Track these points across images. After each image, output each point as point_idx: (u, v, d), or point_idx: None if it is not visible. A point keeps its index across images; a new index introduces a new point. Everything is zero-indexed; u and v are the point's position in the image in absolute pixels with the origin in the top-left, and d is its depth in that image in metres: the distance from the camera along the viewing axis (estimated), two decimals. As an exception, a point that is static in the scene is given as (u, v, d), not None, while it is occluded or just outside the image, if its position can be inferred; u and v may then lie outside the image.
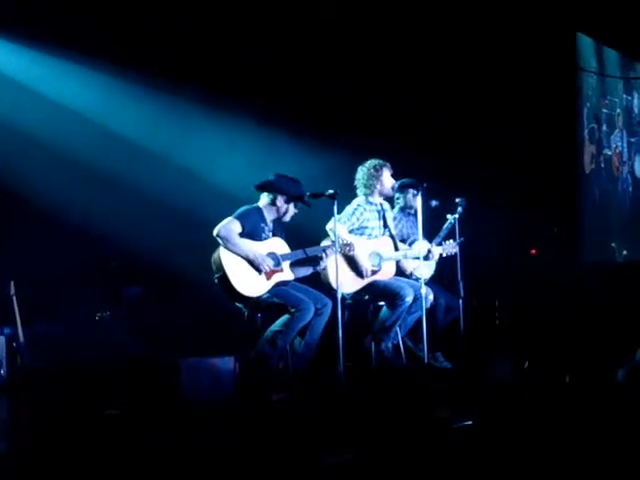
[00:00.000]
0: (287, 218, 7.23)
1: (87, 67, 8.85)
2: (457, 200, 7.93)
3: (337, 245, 6.94)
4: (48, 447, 5.08)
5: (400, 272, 7.79)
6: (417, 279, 7.54)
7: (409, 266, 7.83)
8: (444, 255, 7.84)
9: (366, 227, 7.65)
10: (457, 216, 7.90)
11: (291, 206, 7.20)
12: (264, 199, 7.21)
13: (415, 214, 7.73)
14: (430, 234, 7.95)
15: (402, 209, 8.21)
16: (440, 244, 7.89)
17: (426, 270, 7.83)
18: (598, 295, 9.49)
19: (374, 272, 7.52)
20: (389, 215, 7.84)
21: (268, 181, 7.20)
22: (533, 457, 4.53)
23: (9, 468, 4.88)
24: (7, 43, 8.74)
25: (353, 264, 7.44)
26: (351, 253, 7.26)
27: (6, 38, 8.68)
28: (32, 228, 8.76)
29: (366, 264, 7.46)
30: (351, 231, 7.56)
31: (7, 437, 5.99)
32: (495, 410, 5.33)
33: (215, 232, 6.89)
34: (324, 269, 7.32)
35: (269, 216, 7.21)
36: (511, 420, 5.07)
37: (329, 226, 7.37)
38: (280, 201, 7.17)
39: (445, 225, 8.00)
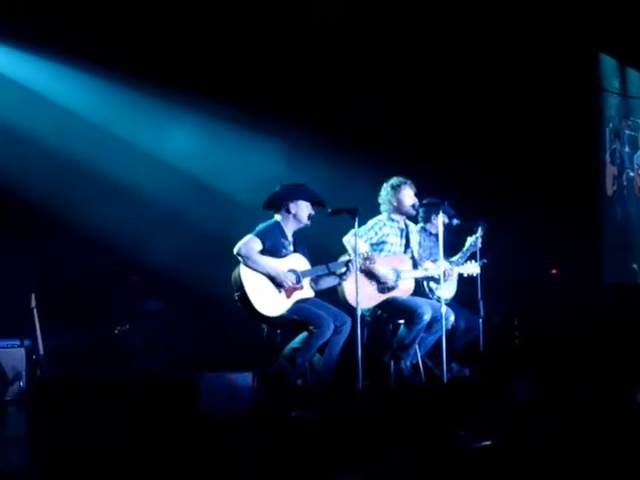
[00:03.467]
0: (309, 222, 7.21)
1: (105, 78, 8.91)
2: (478, 223, 7.92)
3: (356, 260, 6.91)
4: (66, 460, 5.08)
5: (419, 292, 7.77)
6: (438, 299, 7.52)
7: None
8: (465, 275, 7.81)
9: (385, 242, 7.64)
10: (477, 239, 7.89)
11: (308, 209, 7.19)
12: (279, 215, 7.21)
13: (436, 233, 7.72)
14: (452, 253, 7.94)
15: (424, 228, 8.20)
16: (459, 264, 7.86)
17: (447, 291, 7.80)
18: (618, 316, 9.44)
19: (392, 288, 7.51)
20: (414, 237, 7.83)
21: (274, 194, 7.19)
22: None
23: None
24: (22, 52, 8.81)
25: (372, 278, 7.43)
26: (372, 266, 7.24)
27: (21, 47, 8.74)
28: (53, 241, 8.79)
29: (387, 275, 7.44)
30: (370, 245, 7.56)
31: (26, 449, 6.00)
32: (515, 430, 5.31)
33: (235, 250, 6.88)
34: (340, 284, 7.31)
35: (288, 229, 7.19)
36: (531, 441, 5.05)
37: (346, 239, 7.37)
38: (294, 208, 7.16)
39: (465, 247, 7.99)
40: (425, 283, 7.82)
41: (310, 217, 7.19)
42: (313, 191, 7.22)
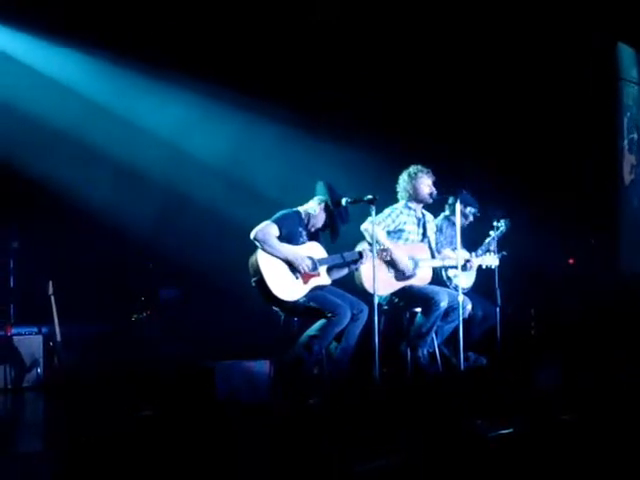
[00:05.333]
0: (312, 229, 7.23)
1: (129, 69, 8.95)
2: (502, 220, 7.92)
3: (374, 249, 6.91)
4: (83, 447, 5.09)
5: (437, 281, 7.76)
6: (456, 287, 7.50)
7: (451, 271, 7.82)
8: (483, 267, 7.80)
9: (403, 230, 7.62)
10: (499, 234, 7.90)
11: (322, 221, 7.21)
12: (312, 204, 7.21)
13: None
14: (470, 242, 7.93)
15: (447, 217, 8.20)
16: (479, 255, 7.85)
17: (465, 280, 7.81)
18: (635, 306, 9.41)
19: (409, 277, 7.49)
20: (430, 226, 7.80)
21: (333, 188, 7.20)
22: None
23: (44, 467, 4.90)
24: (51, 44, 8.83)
25: (389, 266, 7.42)
26: (388, 258, 7.24)
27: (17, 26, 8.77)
28: (71, 229, 8.83)
29: (406, 263, 7.42)
30: (388, 233, 7.54)
31: (42, 436, 6.03)
32: (535, 419, 5.30)
33: (252, 235, 6.88)
34: (357, 270, 7.30)
35: (305, 219, 7.20)
36: (551, 429, 5.04)
37: (364, 226, 7.35)
38: (321, 209, 7.17)
39: (487, 240, 7.98)
40: (444, 271, 7.82)
41: (314, 226, 7.20)
42: (342, 220, 7.20)
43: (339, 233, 7.19)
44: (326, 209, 7.18)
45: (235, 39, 9.09)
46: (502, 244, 7.91)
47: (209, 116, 9.27)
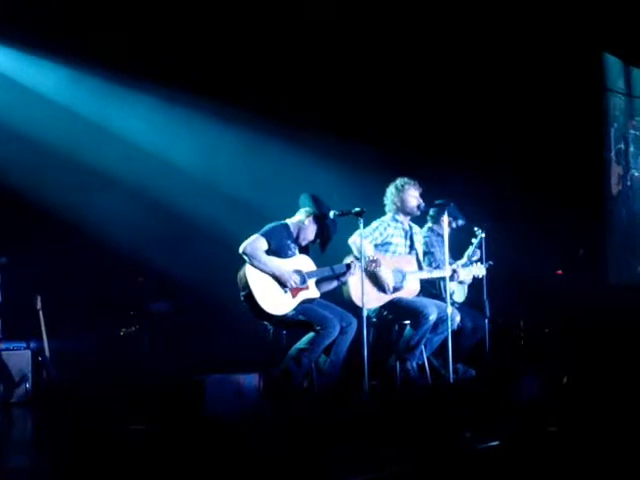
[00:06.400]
0: (303, 243, 7.24)
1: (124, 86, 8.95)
2: (482, 224, 7.93)
3: (363, 261, 6.92)
4: (72, 462, 5.08)
5: (434, 294, 7.76)
6: (453, 303, 7.48)
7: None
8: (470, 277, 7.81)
9: (390, 243, 7.62)
10: (479, 240, 7.90)
11: (312, 234, 7.22)
12: (299, 216, 7.22)
13: (443, 233, 7.70)
14: (458, 253, 7.94)
15: (431, 229, 8.20)
16: (466, 266, 7.85)
17: (458, 293, 7.81)
18: (624, 317, 9.42)
19: (397, 289, 7.49)
20: (418, 238, 7.81)
21: (320, 199, 7.23)
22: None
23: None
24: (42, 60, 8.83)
25: (376, 280, 7.42)
26: (377, 269, 7.25)
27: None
28: (60, 243, 8.81)
29: (389, 280, 7.43)
30: (375, 246, 7.55)
31: (31, 451, 6.00)
32: (523, 430, 5.30)
33: (241, 249, 6.90)
34: (345, 284, 7.30)
35: (294, 232, 7.21)
36: (539, 440, 5.05)
37: (351, 239, 7.36)
38: (310, 222, 7.18)
39: (470, 249, 7.98)
40: (442, 284, 7.79)
41: (306, 239, 7.22)
42: (331, 234, 7.23)
43: (325, 244, 7.21)
44: (315, 221, 7.20)
45: (219, 44, 9.09)
46: (489, 254, 7.91)
47: (195, 127, 9.28)
